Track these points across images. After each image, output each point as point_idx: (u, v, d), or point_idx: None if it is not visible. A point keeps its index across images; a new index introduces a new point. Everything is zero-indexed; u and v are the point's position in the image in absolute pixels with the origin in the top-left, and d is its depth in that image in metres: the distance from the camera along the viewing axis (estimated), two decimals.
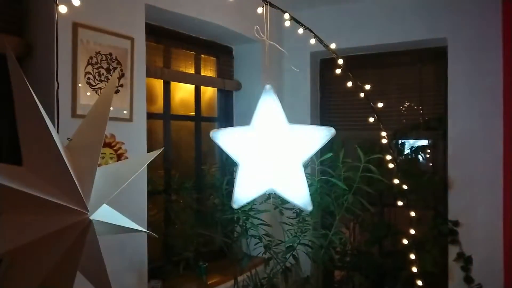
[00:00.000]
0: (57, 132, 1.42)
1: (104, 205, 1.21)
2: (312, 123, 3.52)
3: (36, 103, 1.06)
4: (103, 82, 2.15)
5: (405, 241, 2.35)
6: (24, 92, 1.05)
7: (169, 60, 2.94)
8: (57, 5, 1.54)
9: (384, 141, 2.27)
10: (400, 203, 2.34)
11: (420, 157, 3.37)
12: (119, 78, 2.24)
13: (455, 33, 2.98)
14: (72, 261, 1.10)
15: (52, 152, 1.06)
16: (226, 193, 2.71)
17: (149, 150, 2.41)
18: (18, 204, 1.05)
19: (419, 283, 2.31)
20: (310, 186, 2.58)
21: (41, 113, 1.07)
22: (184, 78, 3.06)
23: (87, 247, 1.12)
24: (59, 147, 1.06)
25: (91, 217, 1.11)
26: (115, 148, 2.20)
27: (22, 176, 1.05)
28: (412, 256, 2.31)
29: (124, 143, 2.25)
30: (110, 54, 2.19)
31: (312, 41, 2.07)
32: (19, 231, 1.04)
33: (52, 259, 1.09)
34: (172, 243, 2.87)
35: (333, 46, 2.10)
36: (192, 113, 3.19)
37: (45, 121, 1.06)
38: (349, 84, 2.17)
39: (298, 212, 2.71)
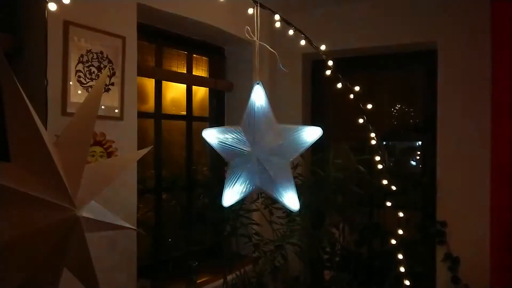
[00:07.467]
0: (46, 129, 1.42)
1: (93, 202, 1.22)
2: (304, 124, 3.53)
3: (25, 100, 1.07)
4: (94, 80, 2.15)
5: (393, 242, 2.37)
6: (13, 89, 1.06)
7: (160, 59, 2.94)
8: (47, 2, 1.55)
9: (373, 142, 2.30)
10: (389, 204, 2.36)
11: (409, 158, 3.40)
12: (110, 77, 2.24)
13: (445, 36, 3.01)
14: (59, 258, 1.11)
15: (40, 149, 1.06)
16: (216, 192, 2.72)
17: (140, 149, 2.40)
18: (5, 200, 1.05)
19: (407, 283, 2.34)
20: (300, 186, 2.61)
21: (29, 110, 1.07)
22: (176, 78, 3.07)
23: (75, 244, 1.13)
24: (47, 144, 1.07)
25: (79, 214, 1.12)
26: (105, 146, 2.20)
27: (10, 172, 1.06)
28: (400, 256, 2.34)
29: (114, 142, 2.24)
30: (101, 53, 2.19)
31: (303, 42, 2.09)
32: (6, 226, 1.05)
33: (38, 255, 1.09)
34: (162, 242, 2.87)
35: (323, 47, 2.12)
36: (184, 113, 3.20)
37: (33, 118, 1.07)
38: (339, 85, 2.20)
39: (288, 211, 2.72)
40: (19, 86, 1.06)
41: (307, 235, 2.78)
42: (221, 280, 2.83)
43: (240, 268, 2.86)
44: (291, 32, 2.05)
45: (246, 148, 1.73)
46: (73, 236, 1.11)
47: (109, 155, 2.21)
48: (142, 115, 2.67)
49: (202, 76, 3.30)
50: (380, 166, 2.31)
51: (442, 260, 3.00)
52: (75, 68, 2.08)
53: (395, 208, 2.33)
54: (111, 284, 2.26)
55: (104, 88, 2.20)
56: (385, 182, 2.32)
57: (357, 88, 2.19)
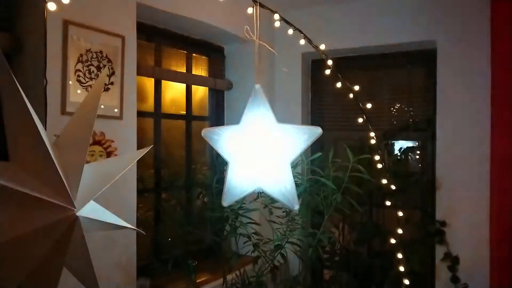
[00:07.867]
0: (45, 128, 1.42)
1: (92, 201, 1.21)
2: (303, 123, 3.54)
3: (24, 99, 1.06)
4: (93, 79, 2.15)
5: (393, 241, 2.38)
6: (12, 88, 1.05)
7: (160, 58, 2.94)
8: (46, 2, 1.54)
9: (373, 141, 2.29)
10: (388, 203, 2.36)
11: (409, 158, 3.40)
12: (110, 76, 2.24)
13: (444, 35, 3.01)
14: (58, 257, 1.11)
15: (39, 148, 1.06)
16: (216, 191, 2.72)
17: (140, 148, 2.40)
18: (4, 200, 1.05)
19: (406, 282, 2.34)
20: (299, 185, 2.61)
21: (28, 109, 1.07)
22: (175, 77, 3.07)
23: (74, 243, 1.12)
24: (46, 143, 1.06)
25: (78, 213, 1.11)
26: (105, 146, 2.20)
27: (9, 171, 1.05)
28: (400, 256, 2.34)
29: (114, 141, 2.25)
30: (101, 52, 2.19)
31: (302, 41, 2.09)
32: (5, 226, 1.05)
33: (38, 254, 1.09)
34: (161, 241, 2.87)
35: (322, 47, 2.12)
36: (183, 112, 3.20)
37: (32, 117, 1.06)
38: (338, 84, 2.20)
39: (288, 211, 2.72)
40: (18, 86, 1.06)
41: (306, 235, 2.78)
42: (221, 280, 2.83)
43: (240, 267, 2.86)
44: (290, 31, 2.05)
45: (245, 148, 1.73)
46: (72, 236, 1.11)
47: (109, 154, 2.22)
48: (141, 114, 2.67)
49: (201, 76, 3.29)
50: (379, 166, 2.31)
51: (442, 260, 3.00)
52: (75, 67, 2.08)
53: (395, 207, 2.33)
54: (110, 283, 2.26)
55: (104, 88, 2.20)
56: (384, 181, 2.32)
57: (356, 88, 2.19)
